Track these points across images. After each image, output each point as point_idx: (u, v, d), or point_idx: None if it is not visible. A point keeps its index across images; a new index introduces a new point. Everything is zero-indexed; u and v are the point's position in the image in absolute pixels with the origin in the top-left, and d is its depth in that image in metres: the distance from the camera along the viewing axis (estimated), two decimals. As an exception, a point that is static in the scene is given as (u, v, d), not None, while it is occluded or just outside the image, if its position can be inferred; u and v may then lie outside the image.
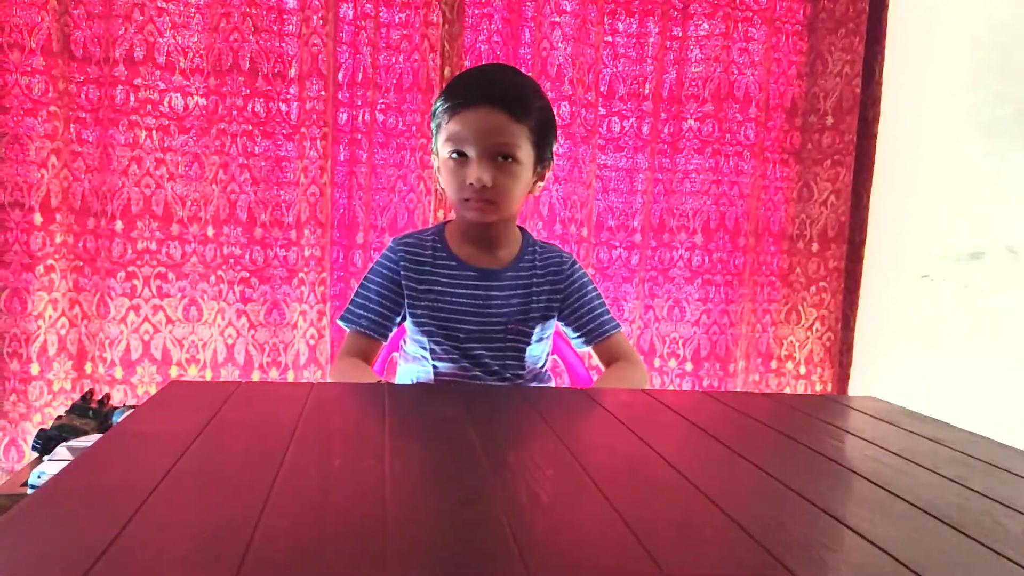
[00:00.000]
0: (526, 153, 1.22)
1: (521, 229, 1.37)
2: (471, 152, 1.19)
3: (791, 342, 2.36)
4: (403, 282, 1.29)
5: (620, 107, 2.21)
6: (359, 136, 2.12)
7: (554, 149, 1.31)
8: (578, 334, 1.36)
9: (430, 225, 2.10)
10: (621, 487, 0.69)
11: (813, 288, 2.33)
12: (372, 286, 1.31)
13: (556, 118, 1.31)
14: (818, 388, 2.36)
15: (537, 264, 1.33)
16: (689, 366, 2.30)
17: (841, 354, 2.37)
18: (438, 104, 1.24)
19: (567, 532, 0.59)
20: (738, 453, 0.82)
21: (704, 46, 2.22)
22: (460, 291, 1.28)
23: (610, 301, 2.19)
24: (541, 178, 1.30)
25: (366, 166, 2.12)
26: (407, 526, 0.56)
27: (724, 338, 2.28)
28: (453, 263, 1.30)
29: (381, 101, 2.11)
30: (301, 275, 2.08)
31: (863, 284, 2.36)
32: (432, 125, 1.27)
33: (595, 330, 1.35)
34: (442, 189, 1.31)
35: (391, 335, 1.33)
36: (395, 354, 1.53)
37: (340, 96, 2.10)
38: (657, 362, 2.30)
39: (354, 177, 2.13)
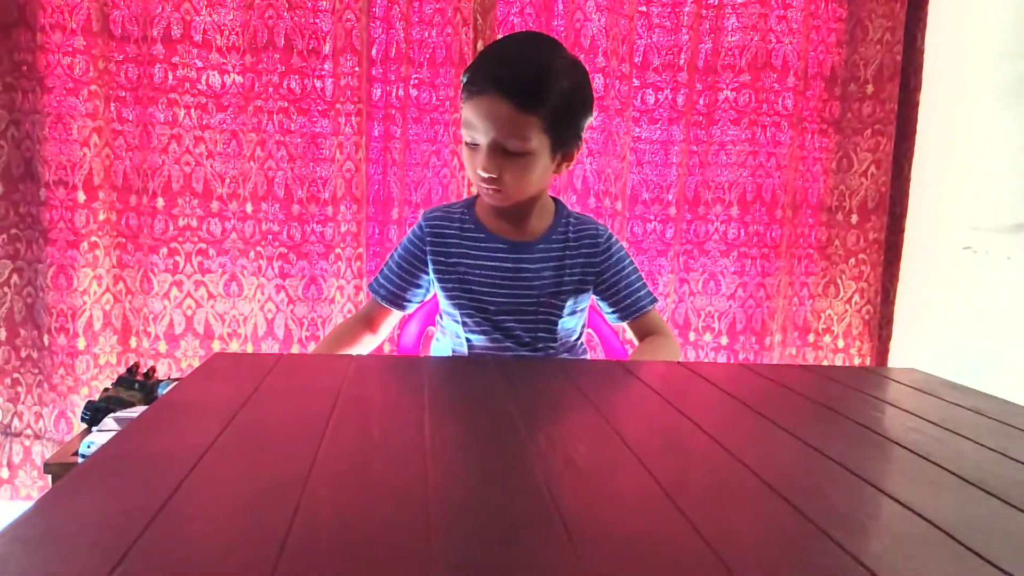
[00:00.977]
0: (537, 143, 1.17)
1: (556, 200, 1.35)
2: (480, 141, 1.17)
3: (829, 315, 2.33)
4: (429, 257, 1.30)
5: (655, 78, 2.19)
6: (393, 112, 2.12)
7: (584, 127, 1.25)
8: (613, 310, 1.35)
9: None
10: (659, 457, 0.69)
11: (852, 260, 2.30)
12: (396, 258, 1.35)
13: (587, 96, 1.24)
14: (856, 362, 2.33)
15: (571, 236, 1.31)
16: (724, 340, 2.28)
17: (880, 327, 2.34)
18: (461, 84, 1.22)
19: (607, 500, 0.59)
20: (777, 424, 0.82)
21: (741, 14, 2.18)
22: (490, 264, 1.28)
23: (644, 275, 2.18)
24: (567, 159, 1.25)
25: (400, 141, 2.13)
26: (448, 493, 0.57)
27: (760, 311, 2.27)
28: (482, 235, 1.29)
29: (414, 76, 2.11)
30: (338, 251, 2.10)
31: (903, 256, 2.32)
32: None
33: (631, 306, 1.34)
34: None
35: (410, 307, 1.37)
36: (430, 328, 1.54)
37: (374, 72, 2.11)
38: (692, 336, 2.29)
39: (388, 153, 2.14)
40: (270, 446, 0.67)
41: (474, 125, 1.17)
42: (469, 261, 1.28)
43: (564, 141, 1.21)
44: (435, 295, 1.37)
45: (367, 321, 1.36)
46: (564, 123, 1.19)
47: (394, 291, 1.34)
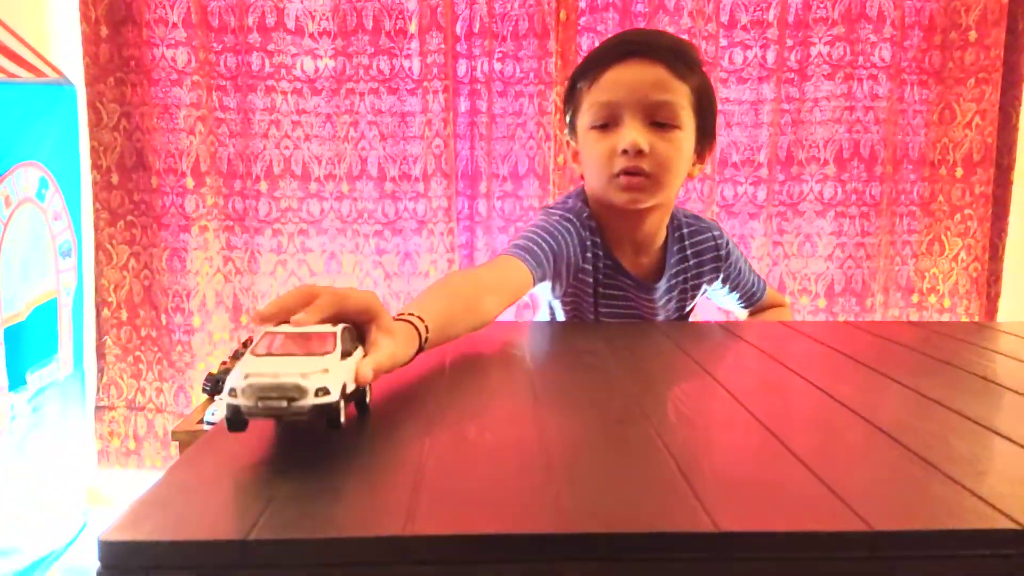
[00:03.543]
0: (688, 119, 1.02)
1: None
2: (624, 113, 1.00)
3: (934, 274, 2.24)
4: (581, 263, 1.09)
5: (743, 36, 2.14)
6: (478, 86, 2.14)
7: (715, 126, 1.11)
8: (725, 303, 1.33)
9: (551, 172, 2.12)
10: (769, 408, 0.70)
11: (957, 216, 2.20)
12: (543, 234, 1.04)
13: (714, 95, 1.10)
14: (964, 321, 2.24)
15: (689, 254, 1.19)
16: (822, 303, 2.23)
17: (988, 285, 2.25)
18: (577, 73, 1.07)
19: (721, 450, 0.60)
20: (889, 376, 0.81)
21: (832, -35, 2.10)
22: (617, 297, 1.14)
23: (736, 239, 2.15)
24: (702, 159, 1.09)
25: (486, 116, 2.15)
26: (565, 446, 0.58)
27: (860, 272, 2.20)
28: (611, 263, 1.12)
29: (498, 50, 2.12)
30: (430, 226, 2.15)
31: (1012, 210, 2.21)
32: (566, 105, 1.10)
33: (747, 300, 1.31)
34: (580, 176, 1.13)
35: (546, 286, 1.08)
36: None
37: (459, 48, 2.13)
38: (788, 300, 2.24)
39: (475, 128, 2.17)
40: (386, 407, 0.69)
41: (614, 97, 1.01)
42: (601, 290, 1.13)
43: (704, 130, 1.07)
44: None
45: (498, 296, 0.93)
46: (707, 106, 1.06)
47: (547, 259, 1.02)
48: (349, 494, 0.50)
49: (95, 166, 2.11)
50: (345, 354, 0.56)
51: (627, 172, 1.01)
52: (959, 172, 2.18)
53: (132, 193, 2.13)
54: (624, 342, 0.98)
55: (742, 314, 1.37)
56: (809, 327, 1.12)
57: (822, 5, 2.11)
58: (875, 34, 2.10)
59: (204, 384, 1.65)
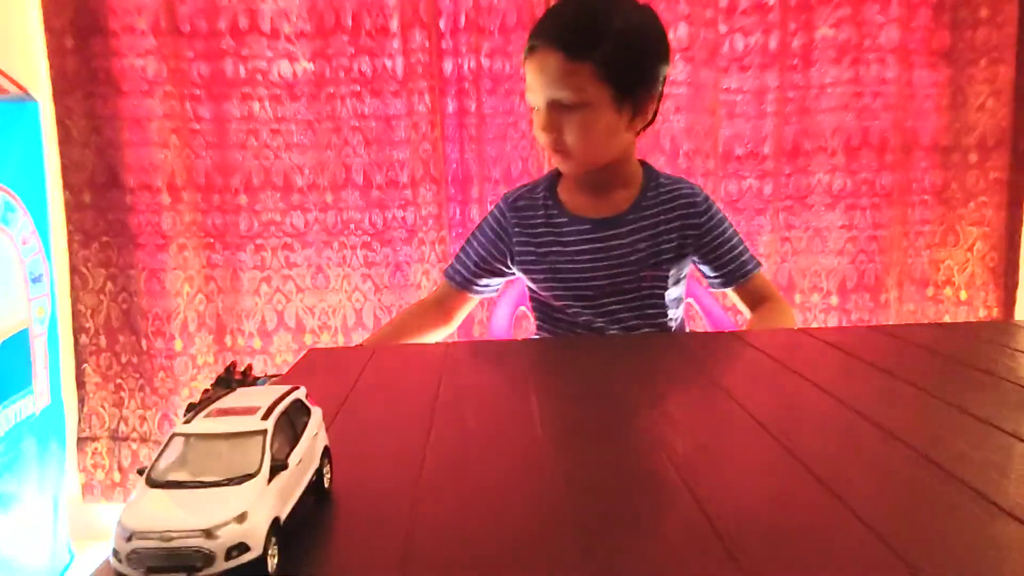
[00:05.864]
0: (594, 93, 1.08)
1: (643, 164, 1.26)
2: (538, 102, 1.12)
3: (949, 266, 2.15)
4: (515, 248, 1.22)
5: (743, 22, 2.04)
6: (466, 85, 2.04)
7: (656, 75, 1.13)
8: (716, 275, 1.26)
9: (545, 173, 2.03)
10: (799, 435, 0.62)
11: (972, 204, 2.11)
12: (475, 244, 1.27)
13: (652, 37, 1.14)
14: (982, 314, 2.15)
15: (663, 199, 1.21)
16: (835, 299, 2.14)
17: (1006, 276, 2.16)
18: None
19: (745, 482, 0.53)
20: (923, 389, 0.72)
21: (833, -57, 2.00)
22: (579, 247, 1.19)
23: (743, 236, 2.05)
24: (640, 113, 1.13)
25: (475, 116, 2.05)
26: (571, 483, 0.52)
27: (873, 266, 2.11)
28: (564, 219, 1.20)
29: (486, 45, 2.02)
30: (420, 235, 2.05)
31: (1030, 196, 2.12)
32: None
33: (735, 271, 1.25)
34: None
35: (487, 292, 1.30)
36: (521, 307, 1.47)
37: (444, 45, 2.03)
38: (798, 298, 2.15)
39: (464, 129, 2.07)
40: (378, 442, 0.65)
41: (529, 87, 1.13)
42: (559, 249, 1.20)
43: (628, 90, 1.10)
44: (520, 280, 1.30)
45: (440, 308, 1.29)
46: (624, 68, 1.09)
47: (469, 277, 1.27)
48: (337, 549, 0.45)
49: (66, 185, 2.01)
50: (277, 467, 0.42)
51: (550, 150, 1.15)
52: (973, 158, 2.09)
53: (106, 212, 2.03)
54: (633, 359, 0.90)
55: (733, 297, 1.28)
56: (826, 333, 1.02)
57: (826, -14, 2.02)
58: (882, 15, 2.01)
59: (184, 415, 1.56)
